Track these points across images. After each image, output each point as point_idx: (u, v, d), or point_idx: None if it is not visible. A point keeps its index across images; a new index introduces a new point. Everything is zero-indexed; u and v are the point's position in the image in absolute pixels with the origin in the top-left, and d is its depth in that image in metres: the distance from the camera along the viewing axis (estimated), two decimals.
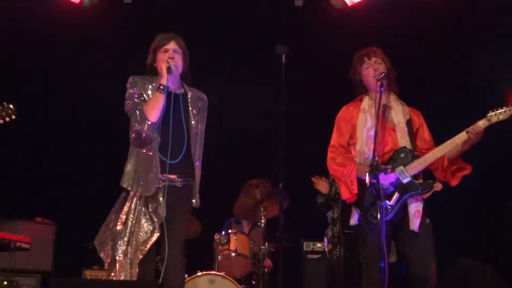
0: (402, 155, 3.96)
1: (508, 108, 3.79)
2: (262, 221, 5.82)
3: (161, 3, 6.70)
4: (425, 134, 4.14)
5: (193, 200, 4.02)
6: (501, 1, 5.93)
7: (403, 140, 4.00)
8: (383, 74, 3.95)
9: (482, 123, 3.83)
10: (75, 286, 3.87)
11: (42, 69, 6.69)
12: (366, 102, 4.12)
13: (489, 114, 3.82)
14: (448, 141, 3.90)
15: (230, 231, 5.76)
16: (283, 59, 4.03)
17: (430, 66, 6.49)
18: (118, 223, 3.83)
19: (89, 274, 5.90)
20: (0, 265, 5.70)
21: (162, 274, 3.77)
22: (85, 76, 6.74)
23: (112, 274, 3.75)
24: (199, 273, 5.20)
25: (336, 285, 5.36)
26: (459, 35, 6.30)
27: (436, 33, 6.34)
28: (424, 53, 6.44)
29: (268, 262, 5.84)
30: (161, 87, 3.85)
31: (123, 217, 3.84)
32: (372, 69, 4.07)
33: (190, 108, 4.04)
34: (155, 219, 3.80)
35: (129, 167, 3.92)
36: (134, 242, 3.78)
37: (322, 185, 5.53)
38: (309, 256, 6.24)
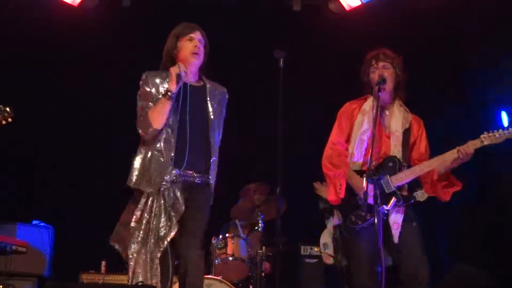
0: (390, 164, 3.91)
1: (504, 132, 3.72)
2: (260, 225, 5.82)
3: (159, 6, 6.70)
4: (421, 145, 4.06)
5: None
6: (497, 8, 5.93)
7: (395, 149, 3.95)
8: (380, 80, 3.90)
9: (473, 144, 3.76)
10: None
11: (41, 70, 6.68)
12: (368, 103, 4.07)
13: (483, 136, 3.75)
14: (436, 157, 3.85)
15: (227, 235, 5.76)
16: (281, 63, 4.03)
17: (428, 70, 6.49)
18: (133, 221, 3.76)
19: (85, 277, 5.88)
20: None
21: (180, 270, 3.73)
22: (84, 76, 6.74)
23: (130, 273, 3.69)
24: None
25: None
26: (457, 40, 6.31)
27: (435, 38, 6.35)
28: (422, 57, 6.44)
29: (266, 265, 5.83)
30: (169, 93, 3.78)
31: (138, 213, 3.77)
32: (378, 73, 4.00)
33: (209, 101, 3.97)
34: (173, 214, 3.74)
35: (136, 165, 3.84)
36: (153, 239, 3.71)
37: (324, 191, 5.51)
38: (306, 260, 6.24)
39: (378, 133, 3.91)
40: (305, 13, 6.67)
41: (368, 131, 3.92)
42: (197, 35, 3.96)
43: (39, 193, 6.66)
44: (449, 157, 3.80)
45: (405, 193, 3.92)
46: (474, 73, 6.24)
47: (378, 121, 3.90)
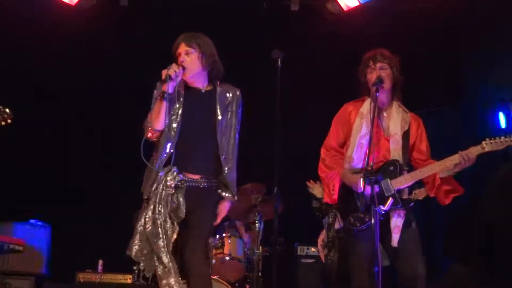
0: (391, 168, 3.88)
1: (506, 139, 3.71)
2: (257, 225, 5.82)
3: (157, 6, 6.70)
4: (422, 144, 4.03)
5: (227, 194, 3.96)
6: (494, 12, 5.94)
7: (395, 153, 3.93)
8: (378, 81, 3.88)
9: (475, 150, 3.75)
10: None
11: (40, 71, 6.68)
12: (366, 106, 4.04)
13: (485, 142, 3.73)
14: (438, 162, 3.84)
15: (224, 234, 5.76)
16: (279, 64, 4.03)
17: (426, 71, 6.50)
18: (138, 226, 3.77)
19: (82, 277, 5.89)
20: None
21: (185, 274, 3.76)
22: (83, 77, 6.74)
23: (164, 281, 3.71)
24: None
25: None
26: (454, 41, 6.32)
27: (432, 39, 6.35)
28: (420, 58, 6.45)
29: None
30: (163, 94, 3.79)
31: (141, 219, 3.78)
32: (376, 74, 3.96)
33: (218, 105, 3.97)
34: (174, 219, 3.76)
35: (146, 171, 3.90)
36: (157, 243, 3.72)
37: (317, 190, 5.53)
38: (303, 260, 6.25)
39: (376, 136, 3.89)
40: (303, 13, 6.66)
41: (367, 135, 3.89)
42: (181, 49, 3.93)
43: (36, 192, 6.65)
44: (451, 162, 3.79)
45: (405, 196, 3.90)
46: (472, 74, 6.26)
47: (376, 123, 3.88)
